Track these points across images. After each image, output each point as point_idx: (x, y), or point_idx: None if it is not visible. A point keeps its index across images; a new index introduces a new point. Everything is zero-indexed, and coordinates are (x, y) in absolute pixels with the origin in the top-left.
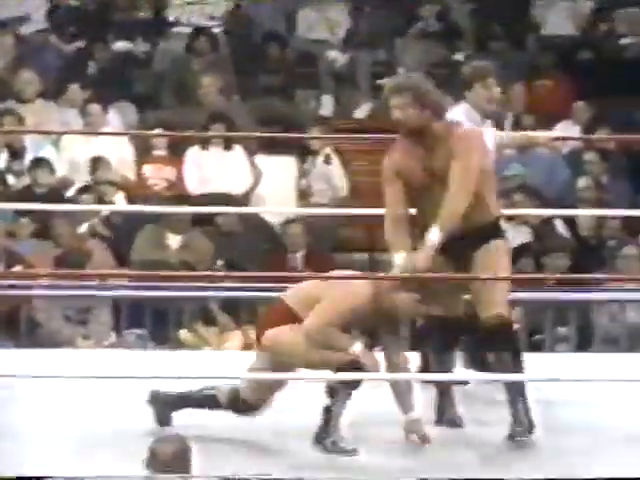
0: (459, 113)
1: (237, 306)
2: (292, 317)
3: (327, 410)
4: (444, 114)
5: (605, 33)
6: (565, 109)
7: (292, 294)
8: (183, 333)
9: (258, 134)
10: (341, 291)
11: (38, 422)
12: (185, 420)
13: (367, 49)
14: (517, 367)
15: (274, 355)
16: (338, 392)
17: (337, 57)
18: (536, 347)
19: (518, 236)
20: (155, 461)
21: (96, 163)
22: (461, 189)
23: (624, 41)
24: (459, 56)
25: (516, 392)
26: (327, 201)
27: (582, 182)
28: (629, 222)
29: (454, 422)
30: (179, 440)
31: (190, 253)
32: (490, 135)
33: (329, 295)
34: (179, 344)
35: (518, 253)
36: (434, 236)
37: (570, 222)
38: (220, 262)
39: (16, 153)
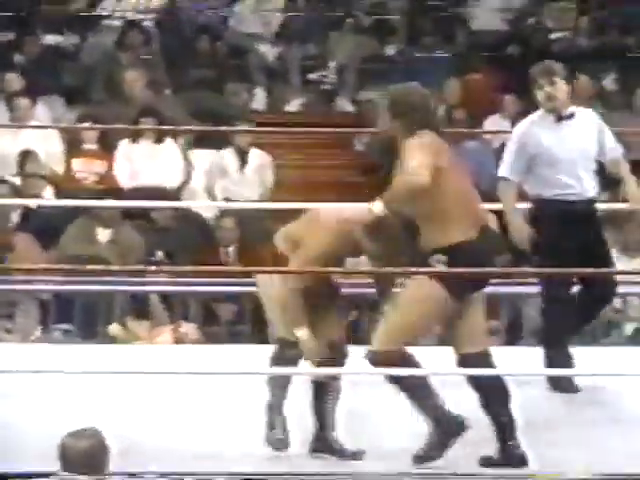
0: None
1: (170, 301)
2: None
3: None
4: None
5: (534, 27)
6: (495, 103)
7: (278, 236)
8: (113, 328)
9: (189, 127)
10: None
11: None
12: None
13: (299, 43)
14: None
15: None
16: (328, 387)
17: (269, 51)
18: None
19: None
20: (65, 456)
21: (25, 157)
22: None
23: (552, 35)
24: (390, 50)
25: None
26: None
27: None
28: None
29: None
30: (94, 435)
31: (120, 247)
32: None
33: (306, 241)
34: (109, 339)
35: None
36: (377, 207)
37: (499, 216)
38: (159, 254)
39: None
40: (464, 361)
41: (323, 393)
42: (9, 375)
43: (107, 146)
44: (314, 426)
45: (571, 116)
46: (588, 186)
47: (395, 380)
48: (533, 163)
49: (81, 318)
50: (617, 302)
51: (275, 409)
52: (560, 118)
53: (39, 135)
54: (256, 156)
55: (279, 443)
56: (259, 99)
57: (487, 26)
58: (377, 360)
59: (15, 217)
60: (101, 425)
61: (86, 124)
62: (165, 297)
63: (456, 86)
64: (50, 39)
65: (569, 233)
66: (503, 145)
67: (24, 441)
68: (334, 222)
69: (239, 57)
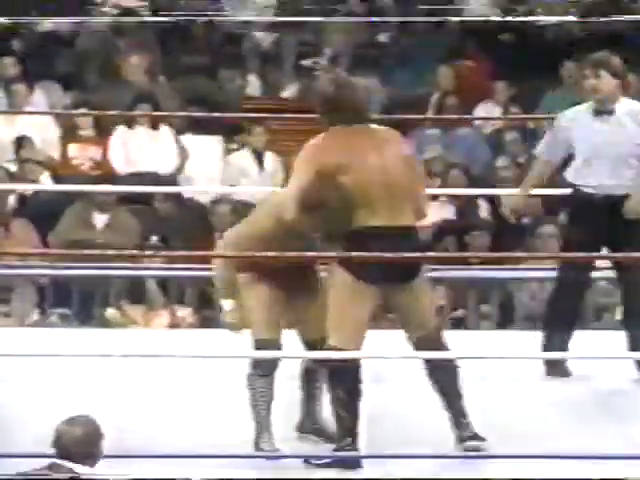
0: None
1: (165, 285)
2: None
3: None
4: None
5: (525, 15)
6: (486, 90)
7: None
8: (109, 312)
9: (183, 113)
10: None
11: None
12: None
13: (293, 30)
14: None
15: None
16: (316, 372)
17: (263, 37)
18: (459, 324)
19: (442, 213)
20: (60, 443)
21: (21, 143)
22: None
23: (543, 24)
24: (383, 37)
25: None
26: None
27: (501, 161)
28: (547, 201)
29: None
30: (89, 423)
31: (116, 232)
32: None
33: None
34: (105, 323)
35: (442, 231)
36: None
37: (491, 201)
38: (155, 238)
39: None
40: (417, 345)
41: (311, 377)
42: (6, 359)
43: (102, 132)
44: (302, 409)
45: (611, 112)
46: (619, 181)
47: (332, 374)
48: (569, 152)
49: (78, 302)
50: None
51: (263, 422)
52: (598, 112)
53: (36, 121)
54: (271, 157)
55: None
56: (253, 85)
57: (479, 13)
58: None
59: (12, 202)
60: (97, 408)
61: (82, 110)
62: (161, 281)
63: (448, 73)
64: (46, 25)
65: (591, 227)
66: (496, 131)
67: (20, 425)
68: (271, 206)
69: (233, 43)
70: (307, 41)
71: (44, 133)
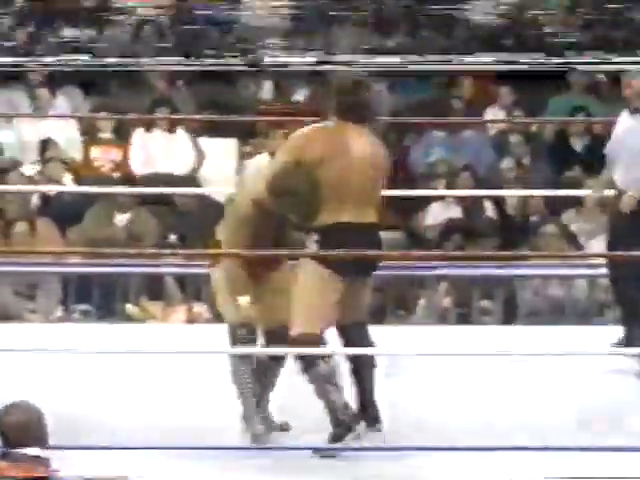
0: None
1: (183, 282)
2: None
3: (259, 385)
4: None
5: (529, 21)
6: (491, 95)
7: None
8: (129, 307)
9: (200, 117)
10: None
11: None
12: None
13: (305, 37)
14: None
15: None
16: (269, 366)
17: (277, 43)
18: (464, 320)
19: (448, 213)
20: (3, 431)
21: (46, 145)
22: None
23: (546, 30)
24: (391, 43)
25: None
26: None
27: (506, 163)
28: (550, 201)
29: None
30: (29, 409)
31: (136, 231)
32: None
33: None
34: (125, 318)
35: (448, 229)
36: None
37: (496, 201)
38: (173, 237)
39: None
40: (344, 331)
41: (264, 370)
42: (33, 353)
43: (122, 135)
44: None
45: (636, 110)
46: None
47: (305, 365)
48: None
49: (99, 299)
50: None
51: (250, 408)
52: (635, 110)
53: (59, 124)
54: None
55: (259, 438)
56: (267, 90)
57: (483, 20)
58: (296, 343)
59: (36, 202)
60: (115, 399)
61: (102, 114)
62: (179, 278)
63: (454, 78)
64: (68, 33)
65: (618, 228)
66: (500, 134)
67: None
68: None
69: (249, 50)
70: (317, 47)
71: (67, 136)
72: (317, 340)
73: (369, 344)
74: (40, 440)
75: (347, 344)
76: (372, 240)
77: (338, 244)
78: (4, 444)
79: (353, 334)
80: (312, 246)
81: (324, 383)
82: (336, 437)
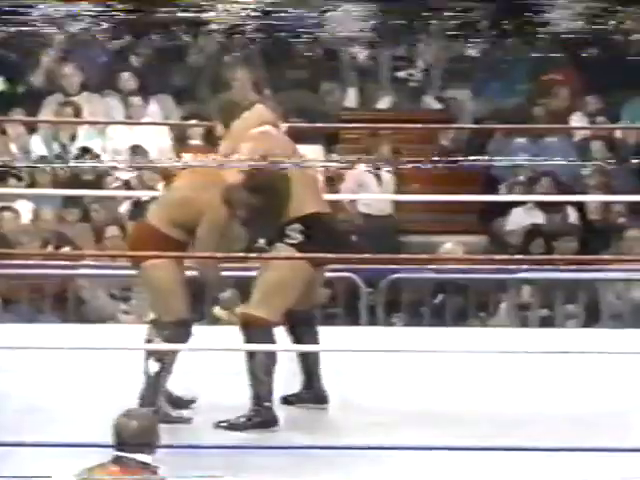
0: None
1: None
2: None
3: (155, 376)
4: None
5: (613, 29)
6: (575, 102)
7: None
8: (217, 310)
9: (287, 124)
10: None
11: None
12: None
13: (389, 45)
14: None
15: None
16: (166, 356)
17: (360, 52)
18: (547, 323)
19: (530, 218)
20: (120, 436)
21: (135, 151)
22: None
23: (631, 38)
24: (474, 52)
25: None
26: None
27: (589, 169)
28: (633, 206)
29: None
30: (148, 416)
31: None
32: None
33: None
34: (214, 320)
35: (531, 234)
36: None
37: (579, 206)
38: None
39: (65, 143)
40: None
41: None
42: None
43: (211, 141)
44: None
45: None
46: None
47: (250, 352)
48: None
49: (190, 301)
50: None
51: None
52: None
53: (151, 131)
54: (386, 174)
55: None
56: (351, 97)
57: (568, 28)
58: (248, 321)
59: (126, 207)
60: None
61: (193, 121)
62: None
63: (538, 86)
64: (161, 42)
65: None
66: (582, 140)
67: None
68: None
69: (333, 58)
70: (401, 55)
71: (159, 142)
72: (269, 329)
73: (314, 331)
74: (151, 447)
75: (293, 329)
76: (340, 227)
77: (324, 233)
78: (117, 447)
79: (301, 321)
80: (296, 235)
81: (259, 369)
82: (245, 423)
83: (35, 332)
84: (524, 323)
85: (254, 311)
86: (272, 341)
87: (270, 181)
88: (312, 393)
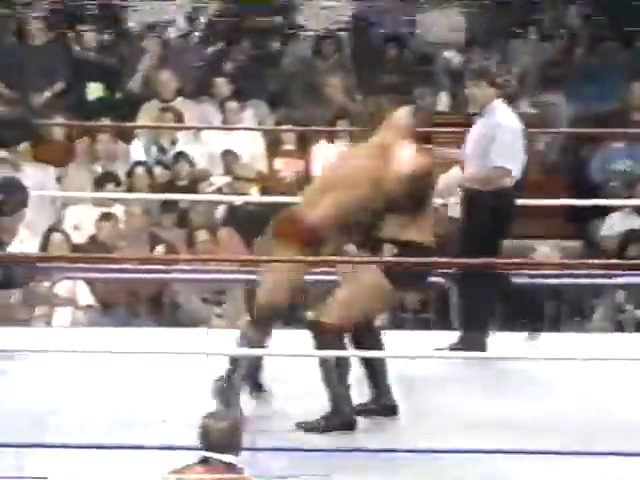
0: None
1: None
2: None
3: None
4: None
5: None
6: None
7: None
8: (309, 314)
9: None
10: None
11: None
12: None
13: (482, 50)
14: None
15: None
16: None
17: (453, 57)
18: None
19: (628, 223)
20: (207, 437)
21: (228, 157)
22: None
23: None
24: (570, 56)
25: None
26: None
27: None
28: None
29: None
30: (234, 417)
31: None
32: None
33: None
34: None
35: (629, 239)
36: None
37: None
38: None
39: (164, 148)
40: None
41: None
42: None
43: (304, 146)
44: None
45: None
46: None
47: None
48: None
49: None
50: None
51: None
52: None
53: (246, 136)
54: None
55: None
56: (443, 102)
57: None
58: (318, 327)
59: (221, 213)
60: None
61: (286, 126)
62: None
63: (635, 90)
64: (255, 48)
65: None
66: None
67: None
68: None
69: (425, 63)
70: (495, 60)
71: (254, 147)
72: (341, 335)
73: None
74: (237, 448)
75: (358, 344)
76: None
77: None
78: (204, 448)
79: (366, 336)
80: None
81: (331, 372)
82: (328, 424)
83: (131, 336)
84: (619, 328)
85: (328, 318)
86: (343, 347)
87: (423, 193)
88: (379, 404)
